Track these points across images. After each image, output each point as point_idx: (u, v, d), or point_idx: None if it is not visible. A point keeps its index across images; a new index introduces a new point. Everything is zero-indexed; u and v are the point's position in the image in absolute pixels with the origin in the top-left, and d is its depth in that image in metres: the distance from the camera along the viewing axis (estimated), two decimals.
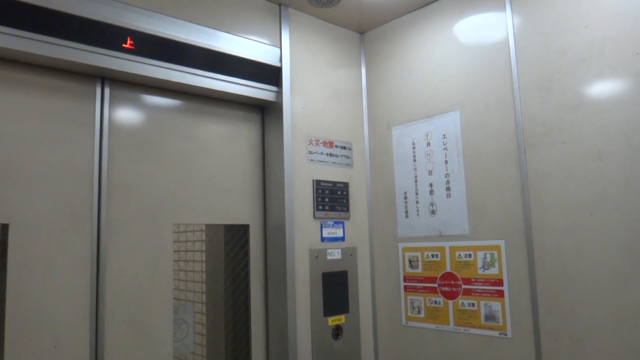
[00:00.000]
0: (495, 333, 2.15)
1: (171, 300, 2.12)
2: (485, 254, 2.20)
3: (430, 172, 2.44)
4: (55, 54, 1.78)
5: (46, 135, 1.87)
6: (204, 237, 2.36)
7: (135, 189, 2.07)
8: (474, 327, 2.22)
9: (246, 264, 2.40)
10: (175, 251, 2.16)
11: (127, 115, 2.09)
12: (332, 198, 2.53)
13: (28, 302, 1.76)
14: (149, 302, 2.05)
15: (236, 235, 2.43)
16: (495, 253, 2.17)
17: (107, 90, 2.03)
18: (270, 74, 2.40)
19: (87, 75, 1.99)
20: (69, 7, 1.81)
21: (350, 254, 2.58)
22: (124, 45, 1.94)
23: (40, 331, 1.78)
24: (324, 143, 2.55)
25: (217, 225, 2.38)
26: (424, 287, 2.43)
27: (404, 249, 2.53)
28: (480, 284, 2.21)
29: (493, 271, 2.17)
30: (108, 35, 1.90)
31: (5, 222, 1.75)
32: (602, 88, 1.90)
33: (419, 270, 2.46)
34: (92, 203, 1.95)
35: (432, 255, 2.40)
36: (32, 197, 1.81)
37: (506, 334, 2.11)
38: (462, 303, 2.27)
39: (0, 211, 1.74)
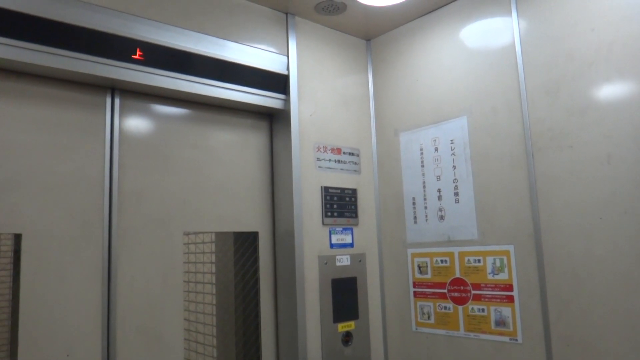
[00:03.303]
0: (506, 338, 2.14)
1: (182, 308, 2.13)
2: (494, 259, 2.20)
3: (438, 178, 2.45)
4: (66, 66, 1.81)
5: (58, 145, 1.90)
6: (213, 246, 2.38)
7: (146, 197, 2.09)
8: (484, 332, 2.21)
9: (256, 271, 2.41)
10: (185, 253, 2.18)
11: (137, 125, 2.12)
12: (340, 204, 2.53)
13: (41, 310, 1.79)
14: (160, 310, 2.07)
15: (245, 242, 2.44)
16: (505, 258, 2.16)
17: (117, 101, 2.06)
18: (277, 82, 2.42)
19: (98, 86, 2.02)
20: (79, 19, 1.84)
21: (359, 260, 2.58)
22: (133, 56, 1.97)
23: (53, 339, 1.80)
24: (332, 150, 2.56)
25: (227, 233, 2.40)
26: (434, 293, 2.43)
27: (413, 255, 2.53)
28: (489, 289, 2.21)
29: (502, 276, 2.16)
30: (118, 47, 1.93)
31: (18, 232, 1.78)
32: (610, 91, 1.89)
33: (428, 275, 2.45)
34: (102, 212, 1.97)
35: (441, 261, 2.40)
36: (44, 207, 1.84)
37: (517, 339, 2.10)
38: (472, 308, 2.26)
39: (13, 221, 1.77)
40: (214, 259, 2.38)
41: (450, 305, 2.35)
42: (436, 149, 2.47)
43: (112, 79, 1.94)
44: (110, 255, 1.97)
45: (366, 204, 2.68)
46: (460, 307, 2.31)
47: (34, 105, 1.87)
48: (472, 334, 2.26)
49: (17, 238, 1.78)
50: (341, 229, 2.53)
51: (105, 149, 2.01)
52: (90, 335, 1.88)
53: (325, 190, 2.48)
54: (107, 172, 2.00)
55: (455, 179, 2.37)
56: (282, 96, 2.44)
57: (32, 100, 1.87)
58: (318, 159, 2.49)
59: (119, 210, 2.01)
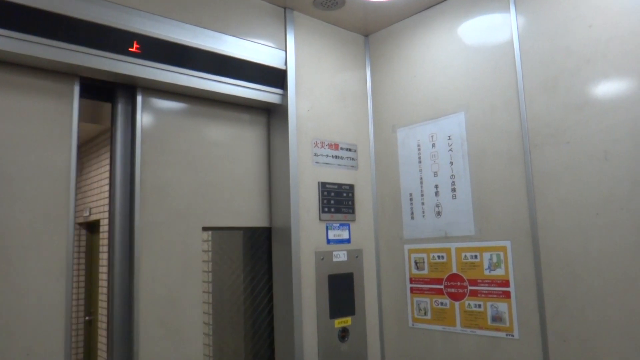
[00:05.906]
0: (502, 334, 2.14)
1: (200, 302, 2.16)
2: (491, 255, 2.20)
3: (435, 174, 2.45)
4: (62, 58, 1.80)
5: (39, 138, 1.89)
6: (210, 241, 2.37)
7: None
8: (481, 328, 2.22)
9: (253, 266, 2.41)
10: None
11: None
12: (337, 200, 2.53)
13: None
14: (180, 303, 2.09)
15: (252, 237, 2.43)
16: (502, 254, 2.16)
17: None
18: (275, 77, 2.41)
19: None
20: (75, 11, 1.82)
21: (356, 256, 2.58)
22: (130, 49, 1.96)
23: None
24: (330, 145, 2.55)
25: (220, 229, 2.39)
26: (430, 289, 2.43)
27: (410, 251, 2.53)
28: (486, 285, 2.21)
29: (499, 272, 2.17)
30: (114, 39, 1.92)
31: None
32: (607, 88, 1.90)
33: (425, 271, 2.45)
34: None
35: (438, 257, 2.40)
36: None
37: (513, 335, 2.10)
38: (469, 304, 2.27)
39: None
40: (210, 254, 2.38)
41: (447, 301, 2.35)
42: (433, 145, 2.46)
43: (109, 72, 1.93)
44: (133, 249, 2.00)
45: (363, 199, 2.67)
46: (456, 303, 2.32)
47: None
48: (468, 330, 2.26)
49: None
50: (338, 224, 2.53)
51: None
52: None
53: (323, 185, 2.48)
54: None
55: (452, 175, 2.37)
56: (279, 91, 2.43)
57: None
58: (315, 155, 2.48)
59: (142, 204, 2.02)
